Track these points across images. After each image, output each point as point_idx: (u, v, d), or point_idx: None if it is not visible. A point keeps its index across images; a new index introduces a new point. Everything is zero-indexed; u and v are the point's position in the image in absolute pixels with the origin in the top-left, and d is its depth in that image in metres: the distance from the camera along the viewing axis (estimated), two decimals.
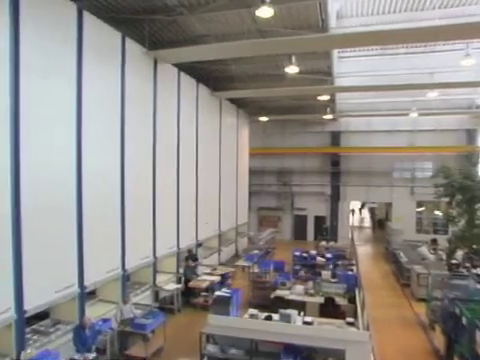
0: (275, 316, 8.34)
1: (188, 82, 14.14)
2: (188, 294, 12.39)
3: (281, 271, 13.06)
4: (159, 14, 10.19)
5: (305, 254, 15.73)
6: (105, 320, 8.85)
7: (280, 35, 10.51)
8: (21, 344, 7.11)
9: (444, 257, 14.23)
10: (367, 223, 35.12)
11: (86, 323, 7.81)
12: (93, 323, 8.11)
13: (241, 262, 15.81)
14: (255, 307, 9.47)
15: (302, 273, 13.20)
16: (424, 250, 15.43)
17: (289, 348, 6.67)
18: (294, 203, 25.44)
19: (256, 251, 16.39)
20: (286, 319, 7.94)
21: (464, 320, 7.87)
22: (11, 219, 6.87)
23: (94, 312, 9.12)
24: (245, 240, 21.81)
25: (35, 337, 7.80)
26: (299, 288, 11.32)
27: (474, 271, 12.55)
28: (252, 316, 8.51)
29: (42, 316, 8.34)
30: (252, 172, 24.13)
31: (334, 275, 12.20)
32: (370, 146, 23.24)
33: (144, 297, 11.20)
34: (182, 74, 13.43)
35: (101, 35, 9.21)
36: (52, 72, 7.73)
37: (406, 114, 21.17)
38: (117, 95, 9.91)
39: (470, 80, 15.71)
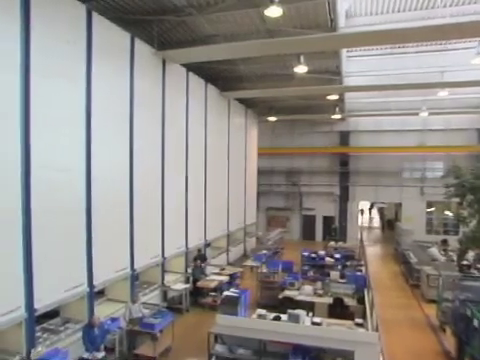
0: (283, 316, 8.32)
1: (197, 82, 14.17)
2: (196, 294, 12.41)
3: (289, 271, 13.00)
4: (168, 14, 10.22)
5: (314, 254, 15.66)
6: (114, 319, 8.89)
7: (289, 35, 10.47)
8: (31, 342, 7.18)
9: (455, 258, 14.08)
10: (376, 223, 34.87)
11: (95, 322, 7.85)
12: (102, 322, 8.16)
13: (249, 262, 15.81)
14: (263, 307, 9.46)
15: (311, 273, 13.16)
16: (434, 251, 15.27)
17: (298, 349, 6.65)
18: (303, 203, 25.35)
19: (264, 251, 16.35)
20: (295, 319, 7.92)
21: (475, 322, 7.76)
22: (21, 219, 6.94)
23: (103, 311, 9.18)
24: (253, 240, 21.82)
25: (45, 335, 7.88)
26: (308, 288, 11.28)
27: None
28: (260, 316, 8.51)
29: (52, 315, 8.41)
30: (261, 172, 24.12)
31: (343, 275, 12.13)
32: (379, 146, 23.05)
33: (152, 297, 11.24)
34: (191, 74, 13.46)
35: (110, 36, 9.26)
36: (61, 73, 7.79)
37: (416, 113, 20.95)
38: (126, 95, 9.96)
39: None
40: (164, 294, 11.97)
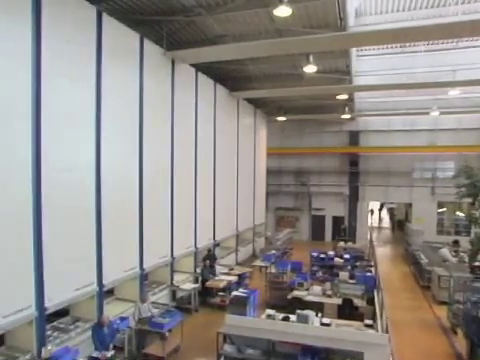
0: (292, 317, 8.29)
1: (206, 82, 14.18)
2: (205, 294, 12.43)
3: (298, 272, 12.98)
4: (177, 15, 10.27)
5: (323, 255, 15.61)
6: (123, 318, 8.94)
7: (298, 34, 10.44)
8: (42, 340, 7.25)
9: (466, 259, 13.90)
10: (386, 224, 34.62)
11: (104, 321, 7.90)
12: (111, 321, 8.21)
13: (258, 262, 15.80)
14: (272, 308, 9.43)
15: (320, 274, 13.13)
16: (445, 252, 15.09)
17: (306, 349, 6.63)
18: (312, 203, 25.26)
19: (273, 251, 16.32)
20: (304, 320, 7.88)
21: None
22: (32, 218, 7.00)
23: (112, 310, 9.24)
24: (262, 240, 21.79)
25: (55, 334, 7.95)
26: (317, 289, 11.24)
27: None
28: (269, 316, 8.49)
29: (62, 313, 8.49)
30: (270, 172, 24.10)
31: (352, 276, 12.05)
32: (389, 146, 22.87)
33: (161, 296, 11.28)
34: (199, 74, 13.48)
35: (119, 36, 9.31)
36: (72, 74, 7.85)
37: (426, 113, 20.73)
38: (135, 95, 10.00)
39: None
40: (173, 294, 12.01)
